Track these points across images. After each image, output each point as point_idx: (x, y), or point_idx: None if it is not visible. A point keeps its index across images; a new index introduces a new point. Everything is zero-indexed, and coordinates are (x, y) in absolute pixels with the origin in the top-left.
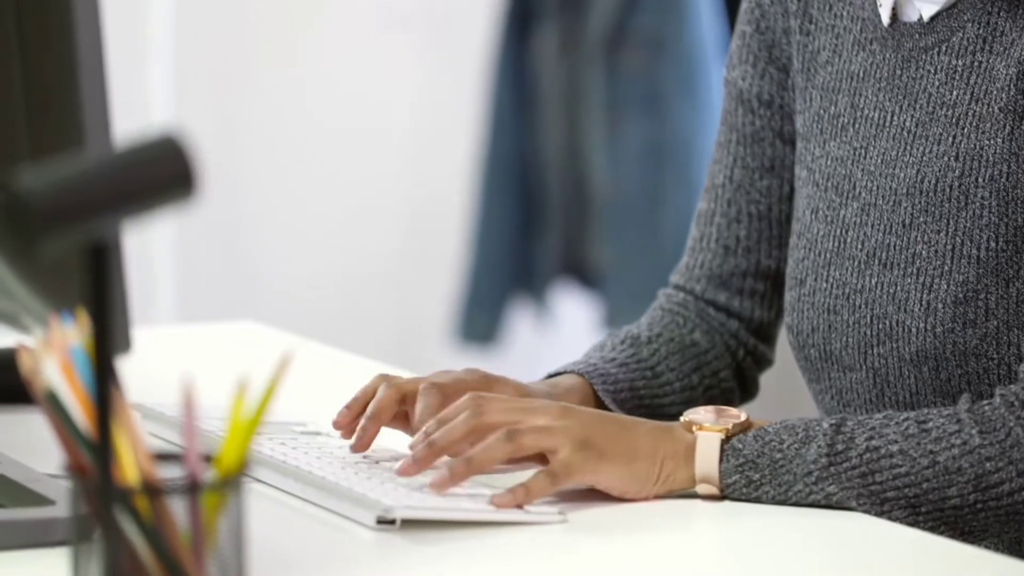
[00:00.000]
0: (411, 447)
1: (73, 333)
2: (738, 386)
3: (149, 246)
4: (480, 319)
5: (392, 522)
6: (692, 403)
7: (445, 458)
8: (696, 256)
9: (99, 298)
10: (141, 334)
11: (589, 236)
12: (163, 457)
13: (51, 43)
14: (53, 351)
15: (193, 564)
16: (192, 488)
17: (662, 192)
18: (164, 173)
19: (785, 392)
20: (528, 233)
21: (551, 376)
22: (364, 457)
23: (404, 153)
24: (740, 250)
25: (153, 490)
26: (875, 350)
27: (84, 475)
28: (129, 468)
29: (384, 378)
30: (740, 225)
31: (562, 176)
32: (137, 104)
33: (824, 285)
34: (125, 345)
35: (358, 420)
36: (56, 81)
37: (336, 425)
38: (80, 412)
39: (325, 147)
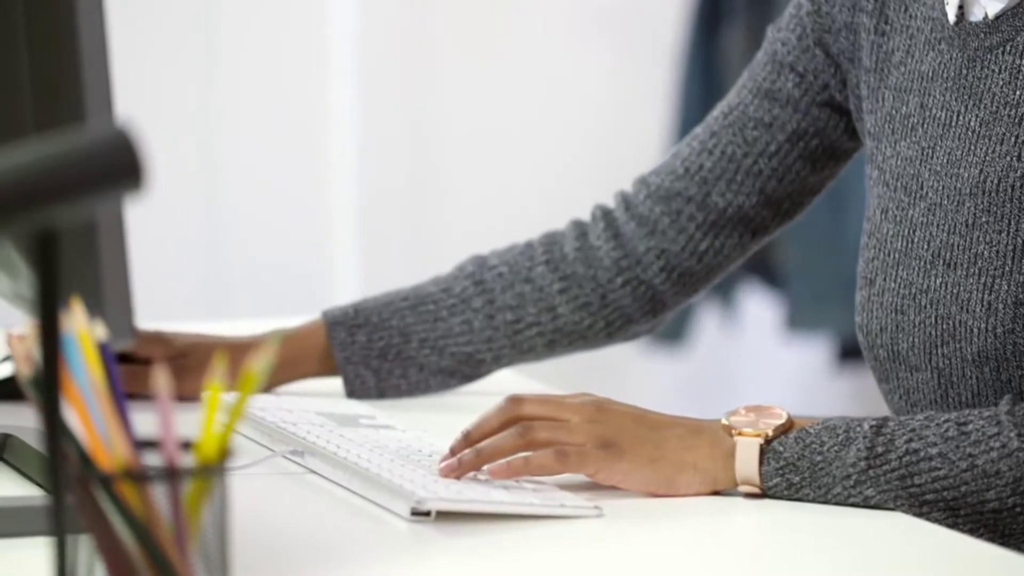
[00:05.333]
0: (453, 449)
1: (65, 320)
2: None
3: (332, 236)
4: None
5: (427, 514)
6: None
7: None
8: (658, 169)
9: (47, 288)
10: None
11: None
12: (146, 444)
13: (56, 25)
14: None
15: (175, 551)
16: (170, 475)
17: (846, 191)
18: (112, 165)
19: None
20: None
21: None
22: (419, 450)
23: (593, 152)
24: (697, 178)
25: (123, 476)
26: (939, 350)
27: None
28: (107, 454)
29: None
30: (710, 156)
31: None
32: (319, 105)
33: (892, 285)
34: (126, 334)
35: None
36: (60, 60)
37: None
38: (66, 399)
39: (514, 145)
